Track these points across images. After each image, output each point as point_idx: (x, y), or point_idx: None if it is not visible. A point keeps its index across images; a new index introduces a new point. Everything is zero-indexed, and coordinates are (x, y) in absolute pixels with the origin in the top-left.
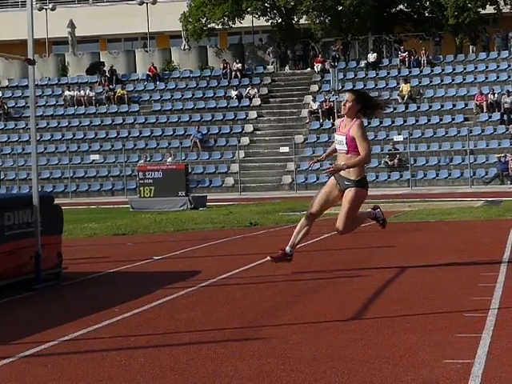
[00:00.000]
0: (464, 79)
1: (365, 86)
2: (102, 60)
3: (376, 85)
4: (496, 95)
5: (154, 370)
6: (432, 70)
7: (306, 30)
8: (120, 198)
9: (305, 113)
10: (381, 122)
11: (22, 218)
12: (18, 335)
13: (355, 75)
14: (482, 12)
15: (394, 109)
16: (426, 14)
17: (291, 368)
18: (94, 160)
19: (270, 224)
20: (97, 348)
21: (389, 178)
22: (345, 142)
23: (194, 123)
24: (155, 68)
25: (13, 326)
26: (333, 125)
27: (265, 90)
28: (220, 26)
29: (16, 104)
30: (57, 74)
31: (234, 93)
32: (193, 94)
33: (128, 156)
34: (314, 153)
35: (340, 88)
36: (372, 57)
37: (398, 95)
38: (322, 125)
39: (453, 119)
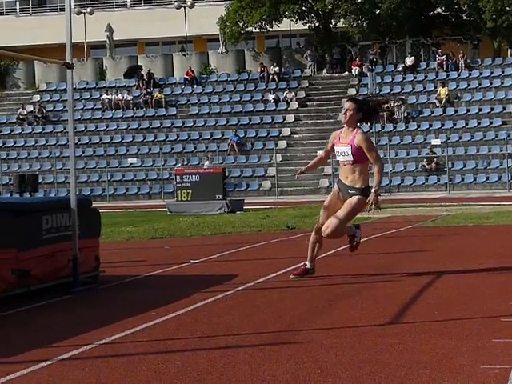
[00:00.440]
0: (502, 83)
1: (402, 89)
2: (139, 64)
3: (413, 88)
4: None
5: (191, 374)
6: (470, 74)
7: (343, 33)
8: (157, 201)
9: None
10: (418, 126)
11: (59, 221)
12: (56, 338)
13: (393, 79)
14: None
15: (432, 112)
16: (464, 18)
17: (328, 372)
18: (131, 163)
19: (307, 228)
20: (134, 351)
21: (426, 181)
22: (350, 153)
23: (232, 127)
24: (193, 72)
25: (50, 329)
26: (370, 128)
27: (302, 94)
28: (257, 30)
29: (54, 108)
30: (95, 77)
31: (271, 96)
32: (230, 98)
33: (165, 159)
34: None
35: (378, 92)
36: (410, 60)
37: (436, 99)
38: None
39: (491, 123)
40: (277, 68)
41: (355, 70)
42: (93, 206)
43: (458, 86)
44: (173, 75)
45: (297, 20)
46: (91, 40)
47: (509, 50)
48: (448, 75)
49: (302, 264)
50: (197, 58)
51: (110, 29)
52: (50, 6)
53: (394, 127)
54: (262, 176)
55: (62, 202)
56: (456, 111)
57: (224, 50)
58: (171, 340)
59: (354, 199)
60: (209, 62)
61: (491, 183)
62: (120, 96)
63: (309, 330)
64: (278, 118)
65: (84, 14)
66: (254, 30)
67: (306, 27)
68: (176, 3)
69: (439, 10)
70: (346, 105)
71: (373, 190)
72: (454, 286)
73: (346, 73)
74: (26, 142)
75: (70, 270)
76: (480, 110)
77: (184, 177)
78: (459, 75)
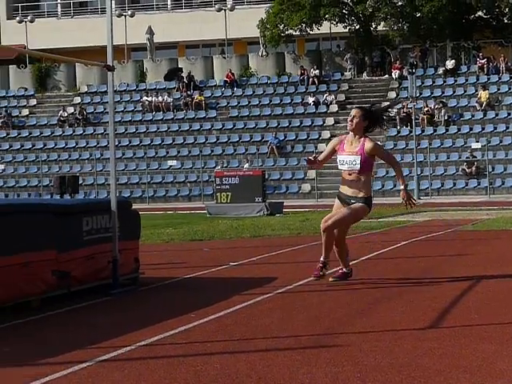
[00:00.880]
0: None
1: (443, 92)
2: (180, 66)
3: (454, 92)
4: None
5: (230, 377)
6: (511, 77)
7: (383, 36)
8: (197, 203)
9: None
10: (459, 129)
11: (100, 223)
12: (96, 339)
13: (433, 82)
14: None
15: (472, 116)
16: (505, 21)
17: (367, 376)
18: (171, 166)
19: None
20: (173, 353)
21: (466, 185)
22: (358, 162)
23: (271, 129)
24: (233, 74)
25: (90, 330)
26: (410, 132)
27: (342, 97)
28: (298, 33)
29: (95, 110)
30: (135, 80)
31: (311, 99)
32: (270, 101)
33: (205, 162)
34: None
35: (418, 95)
36: (450, 63)
37: (477, 102)
38: (399, 132)
39: None
40: (317, 71)
41: (395, 73)
42: (133, 207)
43: (498, 89)
44: (213, 78)
45: (337, 23)
46: (132, 42)
47: None
48: (489, 78)
49: (339, 268)
50: (237, 60)
51: (150, 31)
52: (91, 8)
53: (435, 130)
54: (302, 179)
55: (102, 204)
56: (497, 115)
57: (264, 53)
58: (210, 342)
59: (357, 205)
60: (249, 65)
61: None
62: (160, 98)
63: (348, 333)
64: (318, 121)
65: (125, 16)
66: (294, 33)
67: (347, 30)
68: (217, 6)
69: (480, 13)
70: (353, 112)
71: (402, 187)
72: (494, 290)
73: (386, 76)
74: (66, 144)
75: (110, 272)
76: None
77: (223, 179)
78: (500, 78)
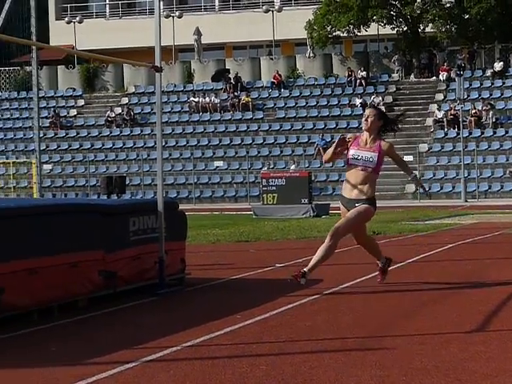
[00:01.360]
0: None
1: (491, 95)
2: (227, 67)
3: (502, 94)
4: None
5: (276, 378)
6: None
7: (431, 38)
8: (243, 204)
9: (429, 121)
10: (506, 132)
11: (146, 223)
12: (141, 340)
13: (481, 84)
14: None
15: None
16: None
17: (413, 379)
18: (217, 166)
19: (392, 233)
20: (219, 354)
21: None
22: (376, 160)
23: (318, 131)
24: (280, 75)
25: (136, 330)
26: (457, 134)
27: (389, 99)
28: (345, 34)
29: (142, 110)
30: (182, 80)
31: (358, 101)
32: (317, 102)
33: (251, 163)
34: (438, 162)
35: (466, 97)
36: (498, 66)
37: None
38: (446, 134)
39: None
40: (364, 72)
41: (443, 75)
42: (179, 208)
43: None
44: (260, 79)
45: (385, 24)
46: (180, 43)
47: None
48: None
49: (378, 269)
50: (284, 61)
51: (198, 32)
52: (139, 9)
53: (482, 133)
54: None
55: (148, 205)
56: None
57: (311, 54)
58: (256, 344)
59: (362, 207)
60: (296, 66)
61: None
62: (207, 99)
63: (394, 336)
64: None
65: (173, 17)
66: (341, 35)
67: (394, 32)
68: (264, 7)
69: None
70: (367, 111)
71: (412, 176)
72: None
73: (434, 78)
74: (113, 144)
75: (156, 272)
76: None
77: (270, 180)
78: None
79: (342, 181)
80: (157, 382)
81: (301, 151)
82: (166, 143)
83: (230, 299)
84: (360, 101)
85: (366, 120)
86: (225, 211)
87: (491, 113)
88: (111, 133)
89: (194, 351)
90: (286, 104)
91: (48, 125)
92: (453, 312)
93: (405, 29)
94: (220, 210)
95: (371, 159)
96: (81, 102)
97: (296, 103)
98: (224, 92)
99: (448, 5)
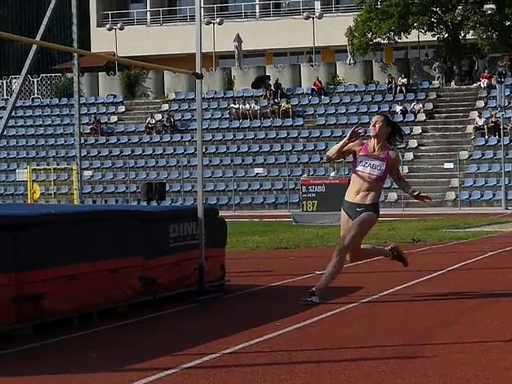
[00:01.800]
0: None
1: None
2: (267, 74)
3: None
4: None
5: None
6: None
7: (472, 45)
8: (283, 211)
9: (470, 129)
10: None
11: (186, 230)
12: (181, 346)
13: None
14: None
15: None
16: None
17: None
18: (257, 173)
19: (433, 241)
20: (258, 362)
21: None
22: (383, 169)
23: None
24: (320, 82)
25: (175, 337)
26: (498, 141)
27: (430, 106)
28: (386, 41)
29: (182, 117)
30: (223, 87)
31: (398, 108)
32: (357, 109)
33: (291, 170)
34: (478, 169)
35: (506, 104)
36: None
37: None
38: (487, 141)
39: None
40: (405, 79)
41: (484, 82)
42: (219, 215)
43: None
44: (300, 85)
45: (426, 31)
46: (220, 50)
47: None
48: None
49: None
50: (324, 68)
51: (238, 39)
52: (179, 16)
53: None
54: (388, 188)
55: (188, 211)
56: None
57: (352, 61)
58: (295, 351)
59: (365, 214)
60: (336, 73)
61: None
62: (247, 106)
63: (433, 344)
64: (405, 130)
65: (213, 24)
66: (382, 41)
67: (435, 38)
68: (305, 14)
69: None
70: (375, 118)
71: (410, 191)
72: None
73: (475, 85)
74: (154, 151)
75: (196, 279)
76: None
77: (310, 187)
78: None
79: (383, 188)
80: None
81: (341, 158)
82: (206, 150)
83: (270, 306)
84: (400, 108)
85: (374, 126)
86: (264, 218)
87: None
88: (151, 139)
89: (233, 358)
90: (326, 111)
91: (89, 131)
92: (493, 320)
93: (445, 35)
94: (260, 217)
95: (379, 167)
96: (121, 109)
97: (336, 110)
98: (264, 99)
99: (489, 11)
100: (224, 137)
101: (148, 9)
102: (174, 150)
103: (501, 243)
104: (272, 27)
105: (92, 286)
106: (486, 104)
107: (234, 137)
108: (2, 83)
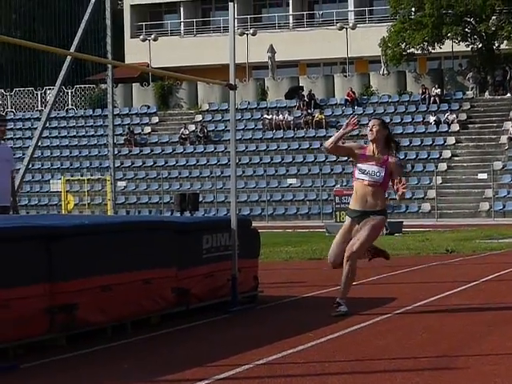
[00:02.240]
0: None
1: None
2: (300, 84)
3: None
4: None
5: None
6: None
7: (506, 55)
8: (316, 222)
9: (504, 139)
10: None
11: (219, 241)
12: (214, 357)
13: None
14: None
15: None
16: None
17: None
18: (291, 184)
19: (467, 251)
20: (291, 373)
21: None
22: (382, 175)
23: None
24: (353, 93)
25: (208, 348)
26: None
27: (464, 116)
28: (419, 51)
29: (216, 128)
30: (256, 98)
31: (432, 118)
32: (391, 119)
33: (325, 180)
34: None
35: None
36: None
37: None
38: None
39: None
40: (438, 90)
41: None
42: (252, 226)
43: None
44: (334, 96)
45: (459, 42)
46: (253, 61)
47: None
48: None
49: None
50: (358, 79)
51: (272, 50)
52: (213, 27)
53: None
54: (422, 198)
55: (222, 222)
56: None
57: (385, 72)
58: (328, 362)
59: (376, 219)
60: (370, 83)
61: None
62: (281, 116)
63: (467, 355)
64: (439, 140)
65: (247, 34)
66: (415, 52)
67: (469, 49)
68: (338, 24)
69: None
70: (371, 122)
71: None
72: None
73: (509, 95)
74: (187, 162)
75: (229, 290)
76: None
77: (343, 198)
78: None
79: (416, 198)
80: None
81: None
82: (240, 160)
83: (302, 317)
84: (434, 118)
85: (372, 130)
86: (297, 229)
87: None
88: (185, 150)
89: (266, 369)
90: (359, 121)
91: (122, 142)
92: None
93: (479, 46)
94: (293, 228)
95: (378, 174)
96: (155, 120)
97: (369, 121)
98: (297, 109)
99: None
100: (257, 147)
101: (182, 20)
102: (208, 161)
103: None
104: (305, 38)
105: (125, 297)
106: None
107: (268, 147)
108: (37, 94)
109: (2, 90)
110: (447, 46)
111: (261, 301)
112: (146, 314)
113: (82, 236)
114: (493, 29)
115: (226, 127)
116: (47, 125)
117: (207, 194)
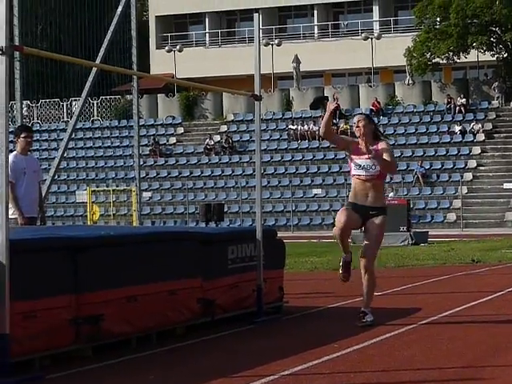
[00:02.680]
0: None
1: None
2: (325, 95)
3: None
4: None
5: None
6: None
7: None
8: None
9: None
10: None
11: (245, 251)
12: (239, 368)
13: None
14: None
15: None
16: None
17: None
18: (316, 194)
19: (493, 261)
20: (317, 383)
21: None
22: (378, 167)
23: (417, 158)
24: (379, 103)
25: (233, 358)
26: None
27: (489, 126)
28: (445, 61)
29: (241, 138)
30: (281, 108)
31: (457, 128)
32: (416, 129)
33: (350, 190)
34: None
35: None
36: None
37: None
38: None
39: None
40: (464, 99)
41: None
42: (277, 236)
43: None
44: (359, 106)
45: (485, 51)
46: (278, 71)
47: None
48: None
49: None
50: (383, 89)
51: (297, 60)
52: (238, 37)
53: None
54: (447, 208)
55: (247, 233)
56: None
57: (410, 81)
58: (354, 373)
59: (380, 219)
60: (395, 93)
61: None
62: (306, 127)
63: (493, 366)
64: (464, 150)
65: (272, 45)
66: (441, 62)
67: (494, 58)
68: (363, 34)
69: None
70: (356, 118)
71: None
72: None
73: None
74: (212, 172)
75: (254, 300)
76: None
77: None
78: None
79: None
80: None
81: (399, 178)
82: (265, 171)
83: (328, 328)
84: (459, 128)
85: (358, 126)
86: (323, 239)
87: None
88: (210, 160)
89: (292, 380)
90: (384, 131)
91: (148, 153)
92: None
93: (505, 55)
94: (318, 238)
95: (374, 167)
96: (180, 130)
97: (395, 130)
98: (322, 119)
99: None
100: (282, 158)
101: (207, 31)
102: (233, 171)
103: None
104: (330, 48)
105: (150, 308)
106: None
107: (293, 158)
108: (63, 105)
109: (29, 102)
110: (472, 56)
111: (286, 311)
112: (171, 324)
113: (108, 247)
114: None
115: (250, 137)
116: (73, 136)
117: (232, 205)
